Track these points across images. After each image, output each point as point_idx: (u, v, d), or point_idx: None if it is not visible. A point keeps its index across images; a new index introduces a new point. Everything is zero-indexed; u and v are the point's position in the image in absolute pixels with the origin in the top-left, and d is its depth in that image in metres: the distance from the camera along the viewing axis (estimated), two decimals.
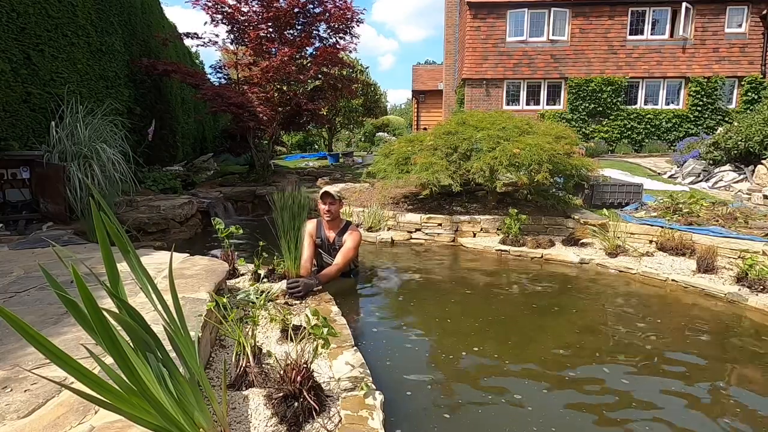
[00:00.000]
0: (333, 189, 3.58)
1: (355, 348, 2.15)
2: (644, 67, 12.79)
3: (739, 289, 3.45)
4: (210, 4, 8.80)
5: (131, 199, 5.91)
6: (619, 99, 12.82)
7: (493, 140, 5.46)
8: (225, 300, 2.05)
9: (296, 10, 9.01)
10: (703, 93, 12.63)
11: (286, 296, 2.85)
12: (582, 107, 12.93)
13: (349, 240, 3.57)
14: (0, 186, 4.86)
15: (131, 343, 1.14)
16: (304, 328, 1.95)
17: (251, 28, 8.94)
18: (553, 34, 12.91)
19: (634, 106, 13.03)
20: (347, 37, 9.85)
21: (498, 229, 5.40)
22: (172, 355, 1.25)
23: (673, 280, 3.83)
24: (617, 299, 3.64)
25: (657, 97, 13.05)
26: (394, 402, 1.97)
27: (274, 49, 8.95)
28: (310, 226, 3.62)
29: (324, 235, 3.68)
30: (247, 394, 1.71)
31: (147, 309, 1.63)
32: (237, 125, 9.30)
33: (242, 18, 9.05)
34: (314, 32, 9.63)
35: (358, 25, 9.69)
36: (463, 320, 3.07)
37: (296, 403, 1.57)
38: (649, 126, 12.87)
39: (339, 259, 3.43)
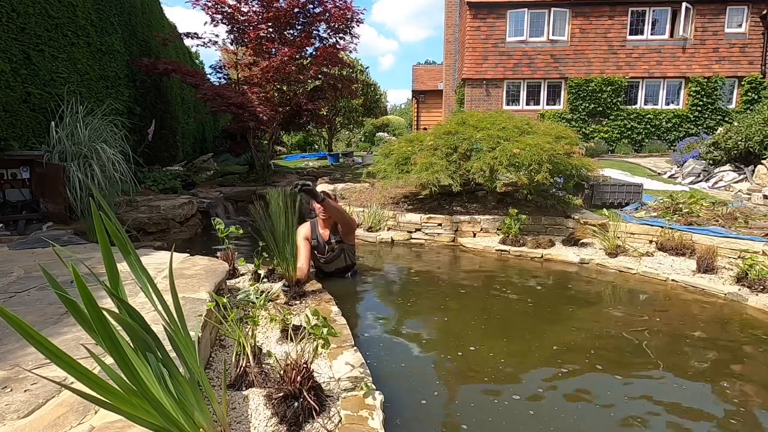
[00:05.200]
0: (328, 188, 3.58)
1: (355, 348, 2.15)
2: (644, 67, 12.79)
3: (739, 289, 3.45)
4: (210, 4, 8.80)
5: (131, 199, 5.91)
6: (619, 99, 12.82)
7: (493, 140, 5.46)
8: (225, 300, 2.05)
9: (296, 10, 9.01)
10: (703, 93, 12.63)
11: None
12: (582, 107, 12.93)
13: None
14: (0, 186, 4.86)
15: (131, 343, 1.14)
16: (304, 328, 1.95)
17: (251, 28, 8.94)
18: (553, 34, 12.91)
19: (634, 106, 13.02)
20: (347, 37, 9.84)
21: (498, 229, 5.40)
22: (172, 355, 1.25)
23: (673, 280, 3.83)
24: (617, 299, 3.64)
25: (657, 97, 13.05)
26: (394, 402, 1.97)
27: (274, 49, 8.95)
28: (304, 229, 3.63)
29: (319, 235, 3.68)
30: (247, 394, 1.71)
31: (147, 309, 1.63)
32: (237, 125, 9.29)
33: (242, 18, 9.05)
34: (314, 32, 9.62)
35: (358, 25, 9.69)
36: (462, 320, 3.07)
37: (296, 403, 1.57)
38: (649, 126, 12.87)
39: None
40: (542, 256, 4.66)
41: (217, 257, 3.39)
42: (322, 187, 3.63)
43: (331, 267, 3.72)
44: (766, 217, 5.02)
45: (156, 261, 3.05)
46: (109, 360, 1.08)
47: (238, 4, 9.02)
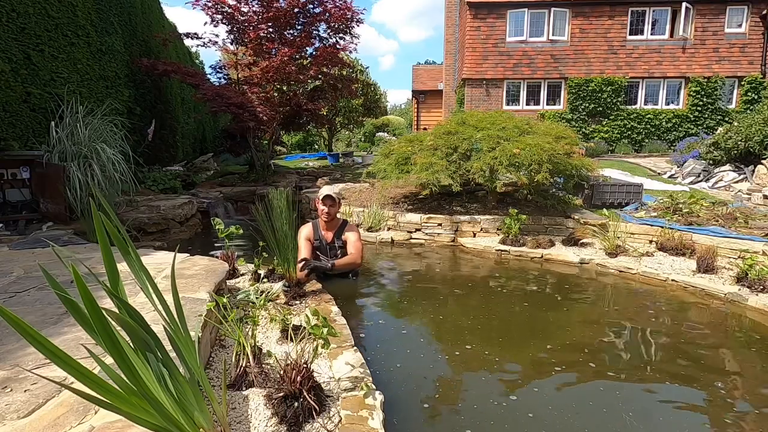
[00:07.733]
0: (333, 191, 3.58)
1: (355, 348, 2.15)
2: (644, 67, 12.78)
3: (739, 289, 3.44)
4: (210, 4, 8.81)
5: (131, 199, 5.91)
6: (619, 99, 12.82)
7: (493, 140, 5.46)
8: (225, 300, 2.05)
9: (296, 10, 9.01)
10: (703, 93, 12.63)
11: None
12: (582, 107, 12.93)
13: (352, 235, 3.66)
14: (0, 186, 4.86)
15: (131, 343, 1.14)
16: (304, 328, 1.95)
17: (251, 28, 8.94)
18: (553, 34, 12.90)
19: (634, 106, 13.02)
20: (347, 37, 9.85)
21: (498, 229, 5.40)
22: (172, 355, 1.25)
23: (673, 280, 3.83)
24: (617, 299, 3.64)
25: (657, 97, 13.04)
26: (394, 402, 1.97)
27: (274, 50, 8.95)
28: (306, 230, 3.63)
29: (321, 237, 3.68)
30: (247, 394, 1.71)
31: (147, 309, 1.63)
32: (237, 125, 9.30)
33: (242, 18, 9.06)
34: (314, 32, 9.63)
35: (358, 25, 9.70)
36: (463, 320, 3.07)
37: (296, 403, 1.57)
38: (649, 126, 12.87)
39: (353, 250, 3.56)
40: (542, 256, 4.66)
41: (217, 257, 3.39)
42: (325, 189, 3.63)
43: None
44: (766, 217, 5.02)
45: (156, 261, 3.05)
46: (109, 360, 1.08)
47: (238, 5, 9.02)
